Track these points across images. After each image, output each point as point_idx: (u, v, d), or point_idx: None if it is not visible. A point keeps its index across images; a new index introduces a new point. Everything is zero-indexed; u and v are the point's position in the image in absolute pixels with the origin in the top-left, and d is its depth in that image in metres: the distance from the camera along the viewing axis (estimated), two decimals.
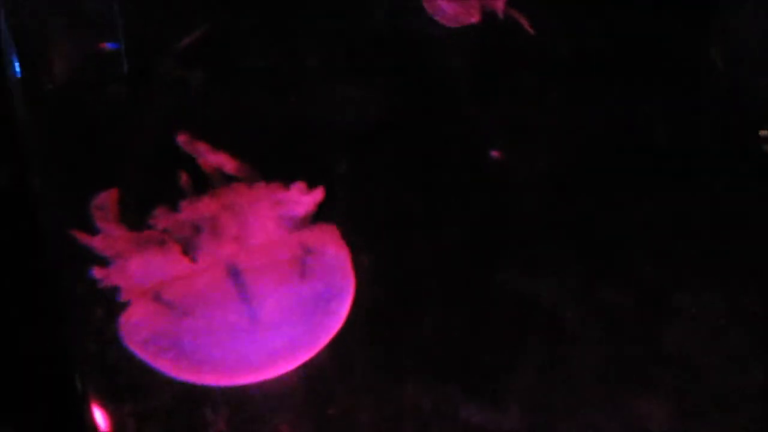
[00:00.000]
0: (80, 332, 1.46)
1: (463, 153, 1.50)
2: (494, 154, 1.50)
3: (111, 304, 1.37)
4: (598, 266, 1.48)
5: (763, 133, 1.44)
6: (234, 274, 1.35)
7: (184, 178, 1.39)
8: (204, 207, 1.38)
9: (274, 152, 1.46)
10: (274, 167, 1.44)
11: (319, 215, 1.41)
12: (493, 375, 1.48)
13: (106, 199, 1.37)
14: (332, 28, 1.46)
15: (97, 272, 1.35)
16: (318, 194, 1.39)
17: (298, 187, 1.40)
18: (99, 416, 1.49)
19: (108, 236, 1.36)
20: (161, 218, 1.38)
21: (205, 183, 1.41)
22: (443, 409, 1.50)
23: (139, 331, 1.35)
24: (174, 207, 1.39)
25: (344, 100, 1.48)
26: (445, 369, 1.49)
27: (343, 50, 1.47)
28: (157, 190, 1.42)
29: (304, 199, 1.40)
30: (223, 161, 1.40)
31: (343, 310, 1.39)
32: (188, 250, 1.37)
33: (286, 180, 1.42)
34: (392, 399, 1.50)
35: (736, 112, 1.43)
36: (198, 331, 1.34)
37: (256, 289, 1.36)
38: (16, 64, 1.36)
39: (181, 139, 1.41)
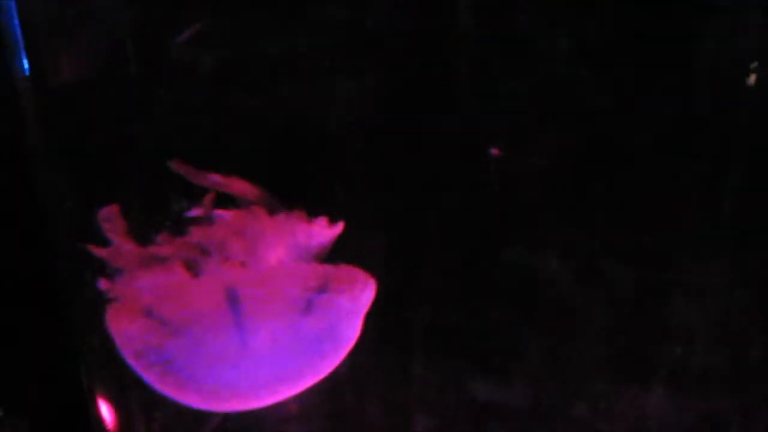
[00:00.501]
0: (85, 326, 1.46)
1: (463, 150, 1.47)
2: (494, 151, 1.49)
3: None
4: (602, 244, 1.47)
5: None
6: (232, 299, 1.32)
7: (209, 198, 1.37)
8: (216, 231, 1.35)
9: (276, 150, 1.44)
10: (277, 165, 1.43)
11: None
12: (500, 353, 1.50)
13: (110, 213, 1.36)
14: (332, 25, 1.41)
15: (103, 283, 1.35)
16: (337, 228, 1.35)
17: (318, 221, 1.36)
18: (105, 410, 1.53)
19: (115, 249, 1.35)
20: (170, 237, 1.36)
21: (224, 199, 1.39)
22: (450, 387, 1.54)
23: (132, 342, 1.34)
24: (185, 220, 1.37)
25: (344, 97, 1.45)
26: (452, 347, 1.51)
27: (343, 48, 1.41)
28: (168, 198, 1.40)
29: (322, 232, 1.35)
30: (244, 189, 1.37)
31: (338, 355, 1.36)
32: (192, 268, 1.35)
33: (293, 182, 1.41)
34: (400, 377, 1.53)
35: (736, 105, 1.47)
36: (187, 351, 1.33)
37: (252, 317, 1.33)
38: (24, 61, 1.32)
39: (180, 169, 1.37)
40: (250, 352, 1.33)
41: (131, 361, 1.35)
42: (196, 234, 1.35)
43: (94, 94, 1.40)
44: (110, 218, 1.35)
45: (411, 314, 1.52)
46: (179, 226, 1.36)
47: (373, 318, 1.42)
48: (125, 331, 1.34)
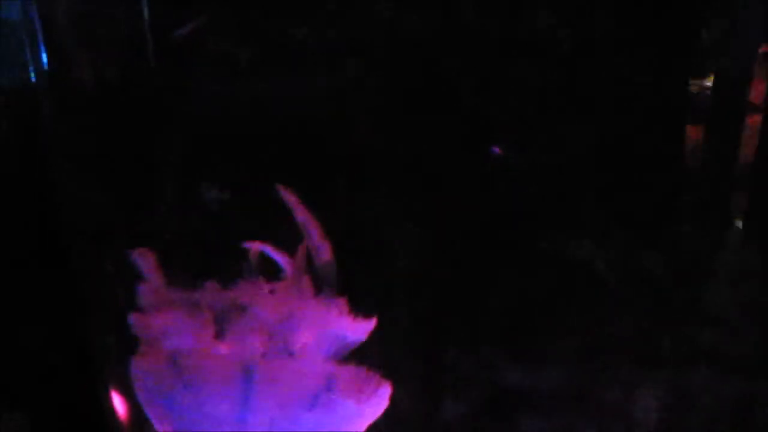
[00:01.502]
0: (101, 323, 1.45)
1: (468, 148, 1.46)
2: (496, 150, 1.47)
3: (131, 297, 1.34)
4: (638, 232, 1.48)
5: None
6: (246, 371, 1.28)
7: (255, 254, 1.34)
8: (256, 295, 1.31)
9: (280, 150, 1.42)
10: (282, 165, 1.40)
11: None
12: (534, 339, 1.50)
13: (144, 254, 1.32)
14: (333, 21, 1.39)
15: (133, 318, 1.33)
16: (371, 324, 1.31)
17: (357, 317, 1.31)
18: (118, 403, 1.50)
19: (148, 285, 1.32)
20: (211, 288, 1.32)
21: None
22: (483, 372, 1.53)
23: (144, 379, 1.34)
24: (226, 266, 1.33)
25: (345, 93, 1.42)
26: (485, 332, 1.51)
27: (344, 44, 1.39)
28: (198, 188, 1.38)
29: (357, 327, 1.30)
30: (318, 240, 1.32)
31: None
32: (220, 323, 1.31)
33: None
34: (432, 361, 1.52)
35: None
36: (187, 405, 1.31)
37: (259, 395, 1.29)
38: (44, 55, 1.26)
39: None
40: (247, 428, 1.30)
41: (138, 393, 1.35)
42: (236, 290, 1.32)
43: (115, 90, 1.36)
44: (144, 256, 1.32)
45: (441, 301, 1.51)
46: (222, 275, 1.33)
47: (406, 303, 1.43)
48: (142, 366, 1.33)
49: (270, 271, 1.34)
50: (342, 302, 1.30)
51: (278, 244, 1.35)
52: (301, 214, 1.31)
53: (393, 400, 1.45)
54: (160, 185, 1.41)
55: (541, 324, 1.50)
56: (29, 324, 1.43)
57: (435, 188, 1.45)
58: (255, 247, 1.33)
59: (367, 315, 1.30)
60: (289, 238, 1.34)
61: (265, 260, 1.34)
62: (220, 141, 1.39)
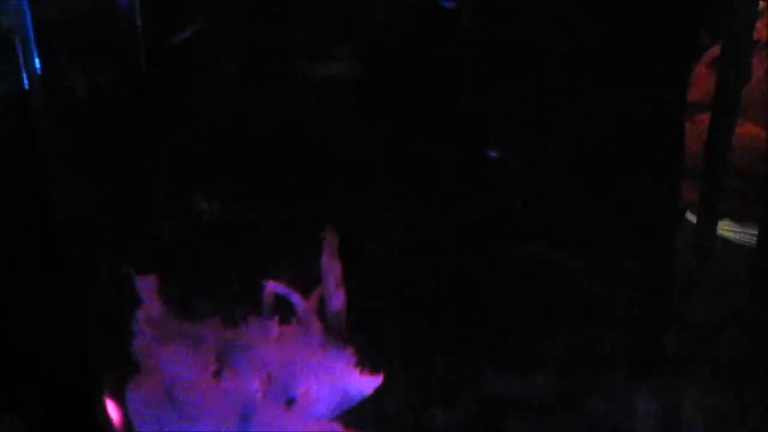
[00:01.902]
0: (95, 326, 1.39)
1: (464, 152, 1.45)
2: (493, 153, 1.46)
3: (127, 300, 1.33)
4: (624, 241, 1.47)
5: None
6: (244, 418, 1.25)
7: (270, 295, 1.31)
8: (263, 337, 1.28)
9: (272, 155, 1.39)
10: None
11: None
12: (521, 348, 1.49)
13: (144, 279, 1.31)
14: (331, 22, 1.37)
15: (134, 345, 1.32)
16: (377, 381, 1.29)
17: (364, 371, 1.30)
18: (112, 409, 1.44)
19: (148, 312, 1.31)
20: (215, 323, 1.30)
21: None
22: (470, 381, 1.52)
23: (139, 406, 1.32)
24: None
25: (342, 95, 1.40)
26: (473, 341, 1.49)
27: (342, 45, 1.38)
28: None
29: (362, 381, 1.28)
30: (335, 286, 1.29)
31: None
32: (221, 360, 1.29)
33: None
34: (420, 370, 1.50)
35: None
36: None
37: None
38: (36, 60, 1.18)
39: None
40: None
41: (133, 419, 1.34)
42: (241, 328, 1.30)
43: (109, 96, 1.34)
44: (143, 279, 1.31)
45: (430, 311, 1.50)
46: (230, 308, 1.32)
47: (395, 310, 1.43)
48: (139, 393, 1.32)
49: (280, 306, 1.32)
50: (350, 354, 1.28)
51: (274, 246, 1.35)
52: (329, 258, 1.28)
53: (381, 408, 1.43)
54: (156, 191, 1.40)
55: (531, 331, 1.49)
56: (29, 325, 1.39)
57: (424, 194, 1.45)
58: (270, 287, 1.30)
59: (373, 371, 1.28)
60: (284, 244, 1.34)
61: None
62: (214, 146, 1.38)
